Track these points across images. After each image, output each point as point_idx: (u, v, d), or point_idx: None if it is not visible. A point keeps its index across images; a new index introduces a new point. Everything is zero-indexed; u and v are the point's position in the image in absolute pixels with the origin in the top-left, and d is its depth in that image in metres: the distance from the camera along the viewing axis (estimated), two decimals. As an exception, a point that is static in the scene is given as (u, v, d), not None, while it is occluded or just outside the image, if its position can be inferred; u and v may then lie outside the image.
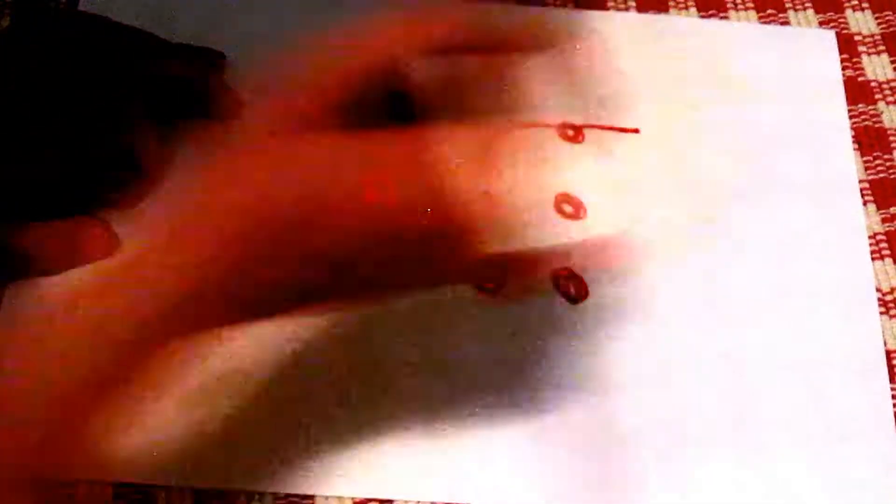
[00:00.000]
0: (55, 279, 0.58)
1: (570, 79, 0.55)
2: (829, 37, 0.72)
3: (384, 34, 0.46)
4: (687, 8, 0.72)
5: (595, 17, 0.71)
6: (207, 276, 0.44)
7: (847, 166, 0.67)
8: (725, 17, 0.72)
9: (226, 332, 0.55)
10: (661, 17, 0.72)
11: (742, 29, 0.72)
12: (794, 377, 0.60)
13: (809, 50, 0.71)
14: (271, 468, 0.55)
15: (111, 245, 0.59)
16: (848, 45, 0.72)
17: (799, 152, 0.67)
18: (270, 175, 0.44)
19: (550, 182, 0.65)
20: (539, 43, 0.51)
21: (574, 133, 0.67)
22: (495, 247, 0.47)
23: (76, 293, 0.45)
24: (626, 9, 0.72)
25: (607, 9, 0.72)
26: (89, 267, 0.57)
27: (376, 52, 0.46)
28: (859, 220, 0.65)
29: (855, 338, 0.61)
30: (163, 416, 0.56)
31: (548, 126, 0.67)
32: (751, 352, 0.60)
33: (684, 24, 0.72)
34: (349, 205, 0.43)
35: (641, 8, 0.72)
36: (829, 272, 0.63)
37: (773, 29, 0.72)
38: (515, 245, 0.62)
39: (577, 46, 0.51)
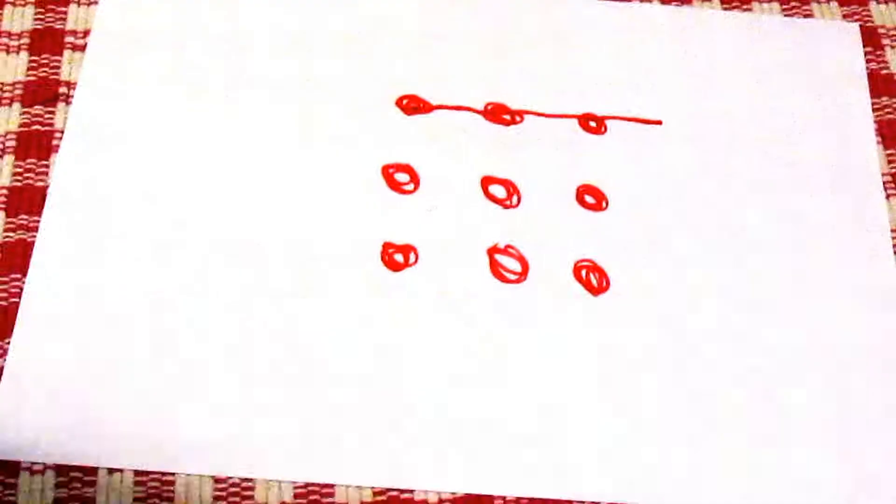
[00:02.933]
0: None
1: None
2: (853, 30, 0.71)
3: None
4: (710, 0, 0.72)
5: (617, 9, 0.71)
6: None
7: (870, 160, 0.67)
8: (749, 10, 0.72)
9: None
10: (684, 8, 0.72)
11: (766, 21, 0.71)
12: (815, 371, 0.60)
13: (834, 43, 0.71)
14: (291, 456, 0.55)
15: None
16: (872, 38, 0.72)
17: (822, 146, 0.67)
18: None
19: (573, 173, 0.65)
20: None
21: (596, 124, 0.67)
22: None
23: None
24: (650, 0, 0.72)
25: (630, 0, 0.72)
26: None
27: None
28: (882, 214, 0.65)
29: (877, 331, 0.61)
30: (182, 404, 0.56)
31: (570, 117, 0.67)
32: (772, 345, 0.60)
33: (707, 16, 0.71)
34: None
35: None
36: (851, 266, 0.63)
37: (798, 21, 0.72)
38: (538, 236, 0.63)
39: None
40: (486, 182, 0.64)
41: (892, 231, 0.65)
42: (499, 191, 0.64)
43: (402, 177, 0.64)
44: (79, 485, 0.54)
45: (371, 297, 0.60)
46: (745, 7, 0.72)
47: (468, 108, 0.67)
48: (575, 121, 0.67)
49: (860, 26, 0.72)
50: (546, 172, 0.65)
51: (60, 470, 0.55)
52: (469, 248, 0.62)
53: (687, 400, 0.58)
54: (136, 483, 0.55)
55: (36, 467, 0.55)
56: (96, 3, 0.69)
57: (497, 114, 0.66)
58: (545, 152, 0.65)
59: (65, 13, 0.69)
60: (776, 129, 0.67)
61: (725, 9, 0.72)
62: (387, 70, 0.68)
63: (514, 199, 0.64)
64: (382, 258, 0.61)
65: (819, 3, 0.73)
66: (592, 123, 0.67)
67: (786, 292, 0.62)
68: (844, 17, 0.73)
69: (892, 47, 0.71)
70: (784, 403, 0.59)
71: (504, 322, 0.60)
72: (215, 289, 0.60)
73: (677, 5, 0.72)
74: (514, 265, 0.62)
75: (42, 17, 0.69)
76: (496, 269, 0.61)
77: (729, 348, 0.60)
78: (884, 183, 0.66)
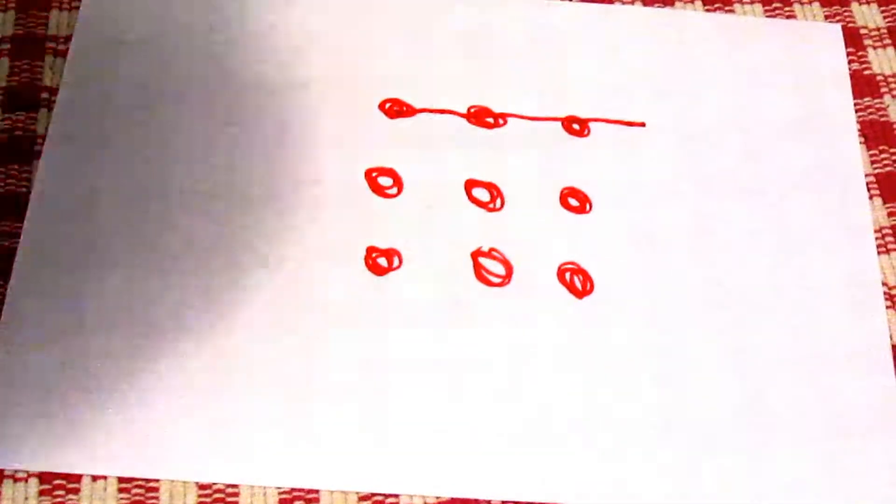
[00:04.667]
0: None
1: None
2: (835, 31, 0.71)
3: None
4: (693, 1, 0.72)
5: (600, 11, 0.71)
6: None
7: (853, 160, 0.67)
8: (731, 10, 0.72)
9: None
10: (667, 10, 0.72)
11: (749, 23, 0.71)
12: (799, 372, 0.60)
13: (816, 44, 0.71)
14: (276, 462, 0.55)
15: None
16: (854, 39, 0.72)
17: (805, 146, 0.67)
18: None
19: (556, 176, 0.65)
20: None
21: (580, 127, 0.66)
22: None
23: None
24: (632, 2, 0.72)
25: (612, 2, 0.72)
26: None
27: None
28: (865, 214, 0.65)
29: (861, 333, 0.61)
30: (166, 410, 0.56)
31: (554, 119, 0.67)
32: (756, 346, 0.60)
33: (690, 18, 0.71)
34: None
35: (647, 1, 0.72)
36: (835, 266, 0.63)
37: (780, 23, 0.72)
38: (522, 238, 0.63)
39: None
40: (470, 185, 0.64)
41: (876, 231, 0.65)
42: (482, 194, 0.64)
43: (385, 181, 0.64)
44: (62, 492, 0.54)
45: (355, 302, 0.60)
46: (727, 8, 0.72)
47: (451, 112, 0.66)
48: (558, 123, 0.67)
49: (842, 27, 0.72)
50: (530, 175, 0.65)
51: (44, 477, 0.55)
52: (453, 251, 0.62)
53: (672, 402, 0.58)
54: (121, 490, 0.55)
55: (19, 475, 0.54)
56: (77, 8, 0.69)
57: (480, 117, 0.66)
58: (529, 155, 0.65)
59: (46, 18, 0.69)
60: (760, 130, 0.67)
61: (707, 10, 0.72)
62: (370, 74, 0.67)
63: (498, 202, 0.64)
64: (366, 262, 0.61)
65: (801, 3, 0.73)
66: (576, 126, 0.66)
67: (770, 293, 0.62)
68: (826, 17, 0.73)
69: (874, 48, 0.72)
70: (769, 404, 0.59)
71: (488, 326, 0.60)
72: (198, 294, 0.60)
73: (660, 7, 0.72)
74: (499, 268, 0.62)
75: (23, 22, 0.68)
76: (480, 273, 0.61)
77: (714, 350, 0.60)
78: (867, 184, 0.66)
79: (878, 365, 0.60)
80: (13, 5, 0.69)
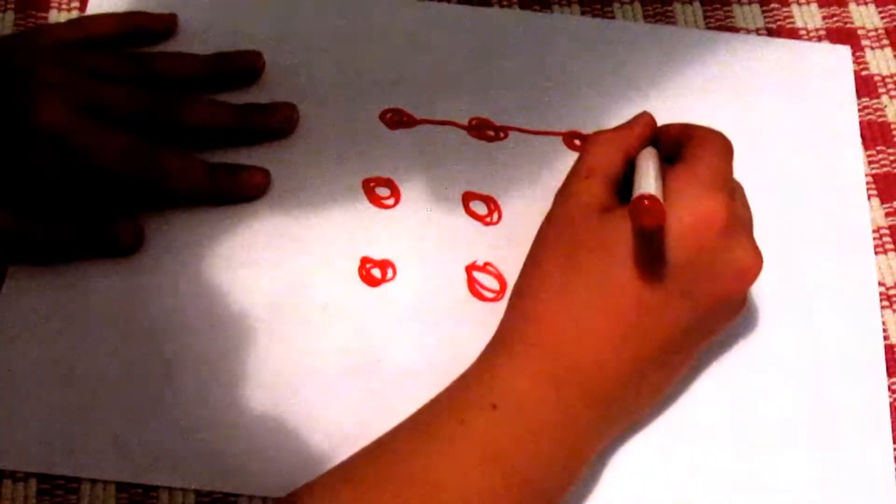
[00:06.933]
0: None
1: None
2: (843, 53, 0.71)
3: None
4: (691, 3, 0.72)
5: (603, 26, 0.70)
6: None
7: (853, 161, 0.67)
8: (730, 11, 0.71)
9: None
10: (671, 27, 0.71)
11: (755, 42, 0.71)
12: (792, 371, 0.60)
13: (823, 65, 0.70)
14: (274, 471, 0.56)
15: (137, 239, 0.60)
16: (851, 40, 0.71)
17: (802, 146, 0.67)
18: None
19: (555, 191, 0.65)
20: None
21: (581, 142, 0.66)
22: None
23: None
24: (634, 18, 0.71)
25: (614, 17, 0.71)
26: None
27: None
28: (863, 216, 0.65)
29: (855, 332, 0.61)
30: (165, 418, 0.57)
31: (555, 134, 0.66)
32: (750, 344, 0.61)
33: (693, 36, 0.71)
34: None
35: (647, 13, 0.72)
36: (831, 266, 0.63)
37: (785, 42, 0.71)
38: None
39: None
40: (468, 198, 0.64)
41: (874, 231, 0.65)
42: (480, 207, 0.64)
43: (382, 191, 0.64)
44: (62, 492, 0.55)
45: (347, 312, 0.60)
46: (725, 9, 0.71)
47: (452, 123, 0.66)
48: (559, 138, 0.66)
49: (839, 28, 0.71)
50: (528, 189, 0.64)
51: (43, 477, 0.55)
52: (447, 264, 0.62)
53: (665, 401, 0.59)
54: (119, 493, 0.55)
55: (19, 474, 0.55)
56: (77, 9, 0.69)
57: (481, 129, 0.66)
58: (528, 169, 0.65)
59: (45, 19, 0.68)
60: (765, 148, 0.67)
61: (706, 10, 0.71)
62: (371, 83, 0.67)
63: (495, 216, 0.64)
64: (360, 273, 0.61)
65: (799, 4, 0.72)
66: (577, 141, 0.66)
67: (766, 291, 0.62)
68: (824, 18, 0.72)
69: (872, 48, 0.71)
70: (762, 401, 0.59)
71: (481, 340, 0.58)
72: (192, 301, 0.60)
73: (662, 23, 0.71)
74: (492, 283, 0.62)
75: (23, 23, 0.68)
76: (474, 287, 0.61)
77: (711, 350, 0.60)
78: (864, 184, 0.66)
79: (870, 364, 0.60)
80: (12, 6, 0.68)
